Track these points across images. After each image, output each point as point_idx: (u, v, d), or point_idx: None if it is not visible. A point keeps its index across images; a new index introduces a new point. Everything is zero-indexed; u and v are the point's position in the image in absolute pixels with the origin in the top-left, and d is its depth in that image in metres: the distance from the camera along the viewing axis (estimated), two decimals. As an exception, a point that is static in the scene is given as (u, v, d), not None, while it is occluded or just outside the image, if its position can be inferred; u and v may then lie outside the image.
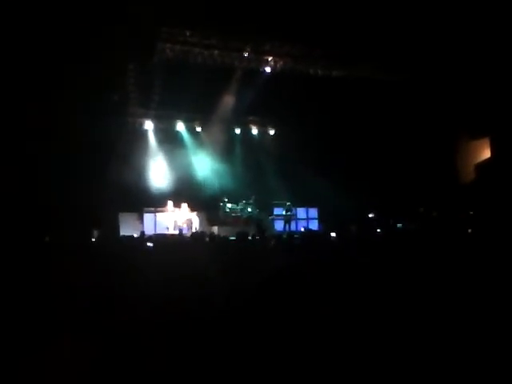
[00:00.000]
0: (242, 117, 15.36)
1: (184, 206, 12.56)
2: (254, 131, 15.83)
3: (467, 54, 12.87)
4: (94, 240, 9.22)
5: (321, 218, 14.95)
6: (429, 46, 12.90)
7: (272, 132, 16.04)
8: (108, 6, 10.40)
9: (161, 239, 9.65)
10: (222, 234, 10.92)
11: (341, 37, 12.40)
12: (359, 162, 14.45)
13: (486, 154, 14.60)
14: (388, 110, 14.35)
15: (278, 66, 14.02)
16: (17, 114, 10.69)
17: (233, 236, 9.67)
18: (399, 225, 12.15)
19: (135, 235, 10.34)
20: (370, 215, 13.33)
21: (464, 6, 11.54)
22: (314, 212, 15.16)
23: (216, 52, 13.11)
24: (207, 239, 9.52)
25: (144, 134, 14.12)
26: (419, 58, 13.53)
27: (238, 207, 13.73)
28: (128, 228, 11.67)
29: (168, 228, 12.16)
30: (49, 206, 10.37)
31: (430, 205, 13.07)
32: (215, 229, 12.30)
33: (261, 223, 11.72)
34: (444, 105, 14.33)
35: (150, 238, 9.29)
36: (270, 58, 13.90)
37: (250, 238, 9.85)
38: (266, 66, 13.97)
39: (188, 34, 12.41)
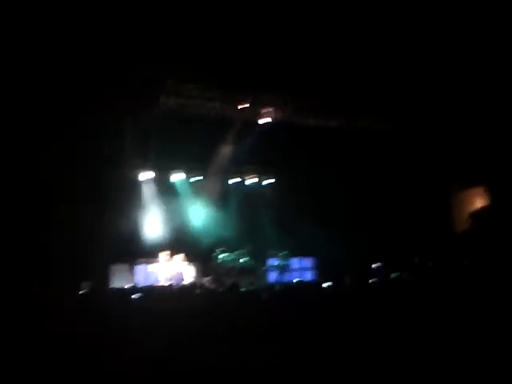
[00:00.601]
0: (238, 167, 15.49)
1: (177, 257, 12.48)
2: (250, 181, 15.89)
3: (461, 104, 13.13)
4: (82, 292, 9.10)
5: (316, 268, 14.76)
6: (423, 96, 13.21)
7: (267, 182, 16.10)
8: (113, 62, 10.79)
9: (149, 291, 9.51)
10: (214, 285, 10.79)
11: (336, 89, 12.77)
12: (355, 212, 14.46)
13: (481, 202, 14.58)
14: (383, 159, 14.52)
15: (275, 116, 14.30)
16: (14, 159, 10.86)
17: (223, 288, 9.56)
18: (393, 275, 11.96)
19: (126, 287, 10.23)
20: (374, 265, 13.13)
21: (456, 57, 11.89)
22: (307, 262, 14.98)
23: (217, 104, 13.47)
24: (197, 291, 9.41)
25: (139, 184, 14.19)
26: (413, 109, 13.81)
27: (230, 258, 13.62)
28: (119, 280, 11.56)
29: (159, 280, 12.04)
30: (39, 256, 10.35)
31: (425, 254, 12.92)
32: (207, 280, 12.15)
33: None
34: (438, 154, 14.48)
35: (140, 290, 9.16)
36: (268, 110, 14.21)
37: (242, 289, 9.72)
38: (263, 117, 14.26)
39: (191, 87, 12.79)
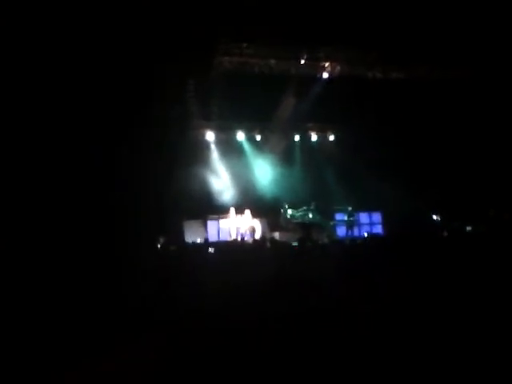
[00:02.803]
0: (300, 123, 15.43)
1: (246, 212, 12.83)
2: (314, 137, 15.82)
3: None
4: (159, 246, 9.64)
5: (384, 223, 14.63)
6: (489, 40, 12.33)
7: (332, 137, 15.95)
8: (167, 26, 10.93)
9: (223, 245, 9.92)
10: (283, 240, 11.03)
11: (397, 38, 12.19)
12: (423, 164, 14.04)
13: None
14: (451, 109, 13.83)
15: (335, 70, 13.94)
16: (91, 124, 11.43)
17: (294, 242, 9.79)
18: (468, 228, 11.66)
19: (199, 241, 10.71)
20: (434, 217, 12.82)
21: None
22: (377, 216, 14.87)
23: (272, 61, 13.31)
24: (268, 244, 9.70)
25: (206, 144, 14.61)
26: (481, 54, 12.94)
27: (299, 213, 13.78)
28: (192, 235, 12.11)
29: (230, 234, 12.49)
30: (118, 215, 10.99)
31: (500, 206, 12.40)
32: (276, 234, 12.44)
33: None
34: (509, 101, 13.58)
35: (212, 244, 9.58)
36: (326, 64, 13.85)
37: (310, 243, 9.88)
38: (322, 72, 13.94)
39: (244, 45, 12.71)
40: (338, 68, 13.89)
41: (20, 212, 10.18)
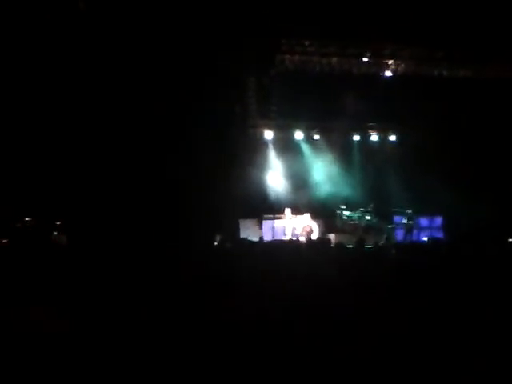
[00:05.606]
0: (361, 123, 15.09)
1: (306, 215, 12.75)
2: (374, 137, 15.40)
3: None
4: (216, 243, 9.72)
5: (445, 228, 14.06)
6: None
7: (393, 138, 15.47)
8: (231, 22, 11.01)
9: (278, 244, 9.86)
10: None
11: (466, 35, 11.64)
12: (489, 168, 13.35)
13: None
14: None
15: (398, 69, 13.54)
16: (151, 127, 11.71)
17: (350, 244, 9.58)
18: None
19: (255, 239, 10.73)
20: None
21: None
22: (438, 221, 14.33)
23: (334, 59, 13.11)
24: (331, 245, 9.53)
25: (264, 143, 14.62)
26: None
27: (356, 215, 13.55)
28: (247, 233, 12.17)
29: (285, 234, 12.47)
30: (177, 212, 11.24)
31: None
32: (332, 236, 12.26)
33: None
34: None
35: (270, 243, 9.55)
36: (390, 62, 13.49)
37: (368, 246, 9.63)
38: (386, 70, 13.58)
39: (307, 43, 12.61)
40: (403, 66, 13.49)
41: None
